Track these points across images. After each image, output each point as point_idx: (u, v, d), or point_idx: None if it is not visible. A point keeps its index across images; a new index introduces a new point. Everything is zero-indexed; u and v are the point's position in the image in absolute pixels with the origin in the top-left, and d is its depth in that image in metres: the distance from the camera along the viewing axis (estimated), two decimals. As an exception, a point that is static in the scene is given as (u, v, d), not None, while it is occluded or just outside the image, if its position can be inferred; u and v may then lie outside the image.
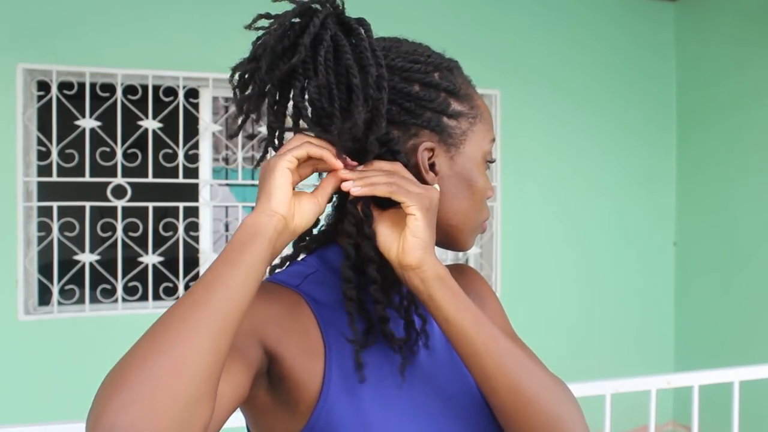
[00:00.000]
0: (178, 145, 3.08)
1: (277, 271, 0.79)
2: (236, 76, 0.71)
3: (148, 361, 0.54)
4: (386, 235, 0.70)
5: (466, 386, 0.79)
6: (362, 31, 0.69)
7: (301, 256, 0.81)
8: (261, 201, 0.65)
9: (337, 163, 0.68)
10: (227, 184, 4.03)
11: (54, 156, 2.91)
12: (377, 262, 0.71)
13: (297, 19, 0.69)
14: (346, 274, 0.72)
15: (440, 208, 0.75)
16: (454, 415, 0.76)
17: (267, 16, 0.69)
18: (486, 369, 0.69)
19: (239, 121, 0.73)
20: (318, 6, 0.68)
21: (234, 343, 0.63)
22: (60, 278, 2.94)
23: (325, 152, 0.68)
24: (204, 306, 0.57)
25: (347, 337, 0.72)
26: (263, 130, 3.49)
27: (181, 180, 3.11)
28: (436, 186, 0.74)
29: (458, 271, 0.90)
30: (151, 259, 3.05)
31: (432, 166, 0.75)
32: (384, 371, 0.73)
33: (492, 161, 0.81)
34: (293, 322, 0.71)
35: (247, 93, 0.71)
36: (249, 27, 0.69)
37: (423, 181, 0.73)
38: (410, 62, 0.74)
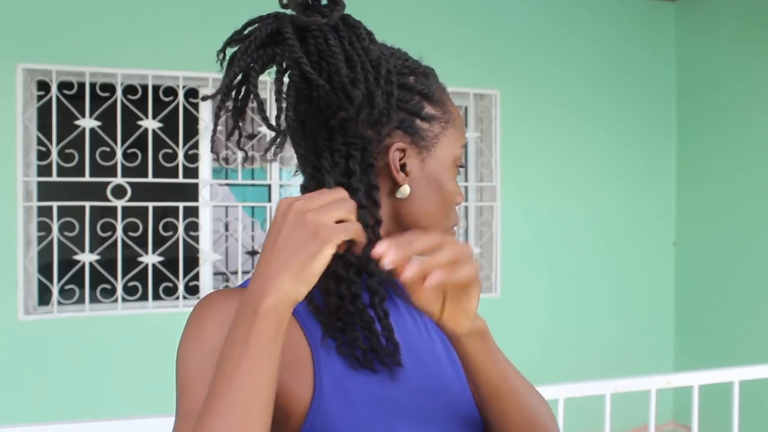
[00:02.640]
0: (178, 145, 3.08)
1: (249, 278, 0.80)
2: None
3: None
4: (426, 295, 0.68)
5: (447, 381, 0.80)
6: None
7: None
8: (290, 283, 0.60)
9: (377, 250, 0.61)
10: (227, 184, 4.04)
11: (54, 156, 2.91)
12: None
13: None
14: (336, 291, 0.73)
15: (409, 210, 0.76)
16: (439, 411, 0.77)
17: (251, 22, 0.70)
18: (505, 407, 0.76)
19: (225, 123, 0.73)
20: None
21: None
22: (60, 278, 2.94)
23: (363, 236, 0.65)
24: (247, 416, 0.60)
25: (326, 332, 0.73)
26: (263, 129, 3.49)
27: (181, 180, 3.11)
28: (407, 187, 0.75)
29: None
30: (151, 258, 3.05)
31: (403, 167, 0.75)
32: (370, 373, 0.74)
33: (462, 166, 0.82)
34: None
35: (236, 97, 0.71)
36: (222, 50, 0.69)
37: (395, 181, 0.75)
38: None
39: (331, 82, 0.66)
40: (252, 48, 0.67)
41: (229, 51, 0.70)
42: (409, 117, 0.75)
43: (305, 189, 0.74)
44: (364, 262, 0.73)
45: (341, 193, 0.65)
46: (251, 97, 0.71)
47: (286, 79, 0.69)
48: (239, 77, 0.69)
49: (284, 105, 0.67)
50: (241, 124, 0.72)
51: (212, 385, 0.61)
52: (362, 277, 0.74)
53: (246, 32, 0.69)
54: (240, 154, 3.25)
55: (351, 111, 0.68)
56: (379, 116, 0.70)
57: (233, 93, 0.70)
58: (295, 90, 0.68)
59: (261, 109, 0.69)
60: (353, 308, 0.73)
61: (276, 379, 0.61)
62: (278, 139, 0.68)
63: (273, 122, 0.68)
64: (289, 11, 0.69)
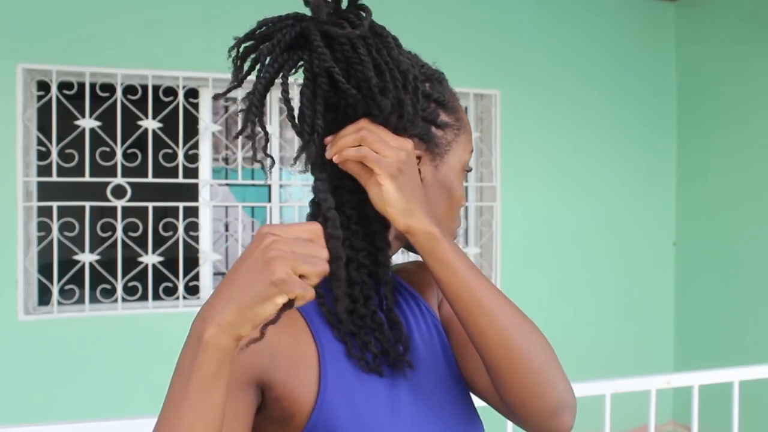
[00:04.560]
0: (177, 145, 3.08)
1: None
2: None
3: None
4: (377, 197, 0.69)
5: (445, 377, 0.81)
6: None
7: None
8: (236, 317, 0.56)
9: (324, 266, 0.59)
10: (227, 184, 4.03)
11: (54, 156, 2.91)
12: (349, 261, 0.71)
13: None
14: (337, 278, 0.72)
15: None
16: (438, 408, 0.78)
17: (265, 22, 0.69)
18: (479, 325, 0.70)
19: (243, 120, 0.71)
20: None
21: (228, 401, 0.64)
22: (60, 278, 2.94)
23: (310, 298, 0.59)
24: None
25: (336, 335, 0.73)
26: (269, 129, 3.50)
27: (181, 180, 3.11)
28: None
29: (421, 267, 0.89)
30: (151, 259, 3.05)
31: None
32: (377, 375, 0.74)
33: (469, 170, 0.83)
34: (281, 333, 0.70)
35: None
36: (236, 47, 0.68)
37: None
38: None
39: (359, 90, 0.66)
40: (277, 52, 0.66)
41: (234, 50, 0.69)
42: (425, 124, 0.76)
43: (318, 192, 0.74)
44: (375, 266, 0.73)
45: (321, 245, 0.59)
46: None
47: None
48: (263, 82, 0.68)
49: (315, 112, 0.67)
50: (261, 128, 0.71)
51: (161, 413, 0.59)
52: (372, 280, 0.75)
53: (260, 31, 0.68)
54: (240, 154, 3.24)
55: (380, 119, 0.68)
56: (407, 124, 0.70)
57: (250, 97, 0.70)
58: (323, 98, 0.67)
59: (291, 116, 0.69)
60: (366, 311, 0.73)
61: (222, 412, 0.59)
62: (307, 147, 0.68)
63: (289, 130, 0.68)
64: (308, 11, 0.68)
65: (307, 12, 0.68)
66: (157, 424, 0.58)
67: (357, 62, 0.65)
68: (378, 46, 0.67)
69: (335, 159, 0.67)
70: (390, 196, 0.67)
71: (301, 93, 0.68)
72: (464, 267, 0.70)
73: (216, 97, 0.71)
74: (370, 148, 0.67)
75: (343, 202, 0.72)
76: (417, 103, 0.70)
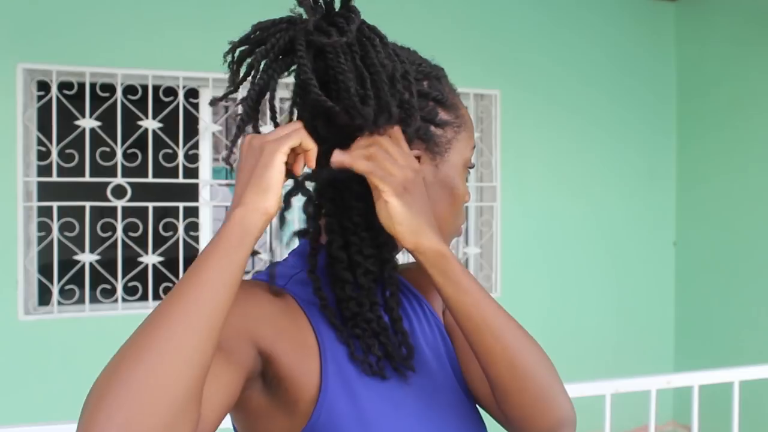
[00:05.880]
0: (178, 145, 3.08)
1: (259, 271, 0.79)
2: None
3: (135, 371, 0.54)
4: (384, 214, 0.69)
5: (448, 379, 0.81)
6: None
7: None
8: (253, 194, 0.62)
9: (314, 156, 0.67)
10: (227, 184, 4.03)
11: (54, 156, 2.91)
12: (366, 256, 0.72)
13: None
14: (343, 276, 0.73)
15: None
16: (442, 409, 0.78)
17: (259, 26, 0.69)
18: (485, 343, 0.71)
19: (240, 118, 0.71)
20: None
21: (221, 345, 0.63)
22: (60, 278, 2.94)
23: (314, 146, 0.66)
24: (193, 312, 0.57)
25: (339, 337, 0.73)
26: (265, 130, 3.50)
27: (181, 180, 3.11)
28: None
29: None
30: (151, 259, 3.05)
31: None
32: (380, 378, 0.74)
33: (472, 167, 0.83)
34: (286, 321, 0.71)
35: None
36: (231, 52, 0.68)
37: None
38: None
39: (341, 99, 0.65)
40: (271, 57, 0.66)
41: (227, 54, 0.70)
42: (424, 124, 0.75)
43: (319, 195, 0.73)
44: (382, 272, 0.73)
45: (290, 125, 0.66)
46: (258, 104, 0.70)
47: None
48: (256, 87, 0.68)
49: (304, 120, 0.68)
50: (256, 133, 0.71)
51: (179, 281, 0.60)
52: (378, 284, 0.75)
53: (254, 35, 0.68)
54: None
55: (369, 128, 0.67)
56: (405, 125, 0.69)
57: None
58: (312, 105, 0.67)
59: (276, 125, 0.69)
60: (372, 315, 0.73)
61: (236, 279, 0.60)
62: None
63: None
64: (302, 10, 0.68)
65: (303, 13, 0.67)
66: (174, 287, 0.59)
67: (340, 72, 0.65)
68: (366, 49, 0.66)
69: (338, 160, 0.68)
70: (397, 213, 0.67)
71: (291, 100, 0.69)
72: (473, 286, 0.71)
73: (212, 102, 0.71)
74: (378, 165, 0.67)
75: (351, 208, 0.72)
76: (412, 99, 0.70)
